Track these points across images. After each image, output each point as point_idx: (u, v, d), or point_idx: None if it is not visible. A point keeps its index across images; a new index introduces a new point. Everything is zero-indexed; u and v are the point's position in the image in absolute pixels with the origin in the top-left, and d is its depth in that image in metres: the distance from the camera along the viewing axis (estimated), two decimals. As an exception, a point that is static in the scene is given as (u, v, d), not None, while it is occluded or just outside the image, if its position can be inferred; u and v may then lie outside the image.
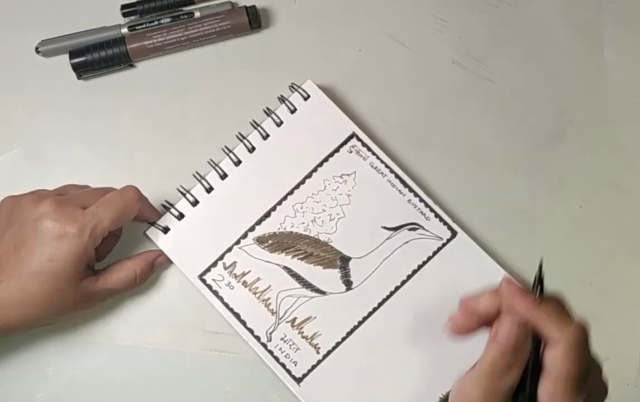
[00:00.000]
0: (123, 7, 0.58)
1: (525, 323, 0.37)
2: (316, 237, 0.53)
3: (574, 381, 0.36)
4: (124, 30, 0.58)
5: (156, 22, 0.58)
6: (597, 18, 0.59)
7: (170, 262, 0.52)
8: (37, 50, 0.58)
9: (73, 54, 0.57)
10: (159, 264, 0.52)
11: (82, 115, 0.57)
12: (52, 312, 0.47)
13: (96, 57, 0.56)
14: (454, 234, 0.52)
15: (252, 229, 0.52)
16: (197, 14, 0.58)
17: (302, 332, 0.51)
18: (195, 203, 0.53)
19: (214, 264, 0.52)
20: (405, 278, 0.52)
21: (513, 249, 0.54)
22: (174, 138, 0.57)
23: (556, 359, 0.36)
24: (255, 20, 0.57)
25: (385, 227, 0.53)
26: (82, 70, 0.57)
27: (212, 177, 0.53)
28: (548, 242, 0.55)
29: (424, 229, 0.53)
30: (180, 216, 0.52)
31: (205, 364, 0.53)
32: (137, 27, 0.58)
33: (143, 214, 0.51)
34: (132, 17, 0.58)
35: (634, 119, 0.58)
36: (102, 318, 0.54)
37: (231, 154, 0.54)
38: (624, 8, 0.59)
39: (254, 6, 0.58)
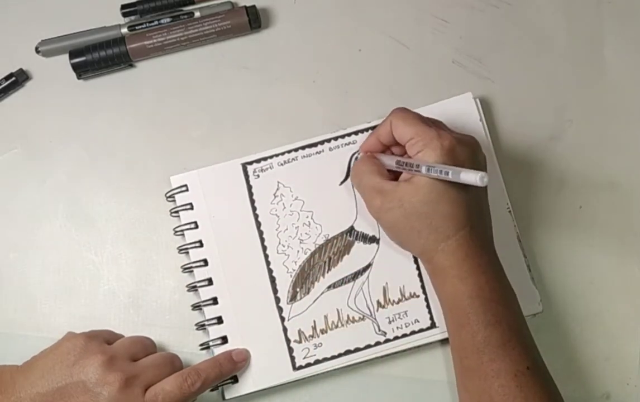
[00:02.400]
0: (123, 7, 0.58)
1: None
2: (317, 246, 0.53)
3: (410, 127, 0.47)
4: (124, 30, 0.58)
5: (156, 22, 0.58)
6: (597, 18, 0.59)
7: (221, 395, 0.52)
8: (37, 50, 0.58)
9: (73, 54, 0.57)
10: None
11: (82, 115, 0.57)
12: None
13: (96, 57, 0.56)
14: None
15: (278, 300, 0.52)
16: (197, 14, 0.58)
17: (394, 300, 0.52)
18: (220, 320, 0.52)
19: (290, 350, 0.52)
20: None
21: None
22: (174, 138, 0.57)
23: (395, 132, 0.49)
24: (255, 20, 0.57)
25: (342, 182, 0.54)
26: (82, 70, 0.57)
27: (205, 291, 0.53)
28: (548, 242, 0.55)
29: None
30: (224, 340, 0.52)
31: (205, 364, 0.53)
32: (137, 27, 0.58)
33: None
34: (132, 17, 0.58)
35: (634, 119, 0.58)
36: (101, 318, 0.54)
37: (193, 263, 0.53)
38: (624, 8, 0.59)
39: (254, 6, 0.58)
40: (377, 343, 0.52)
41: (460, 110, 0.55)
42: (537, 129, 0.57)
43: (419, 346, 0.52)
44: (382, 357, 0.52)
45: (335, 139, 0.54)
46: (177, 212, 0.54)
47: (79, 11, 0.59)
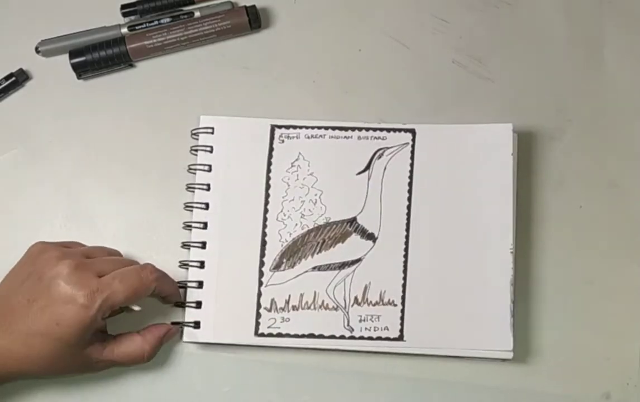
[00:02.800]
0: (123, 7, 0.58)
1: None
2: (315, 226, 0.53)
3: None
4: (124, 30, 0.58)
5: (156, 22, 0.58)
6: (597, 18, 0.59)
7: (180, 335, 0.52)
8: (37, 50, 0.58)
9: (73, 54, 0.57)
10: (168, 338, 0.52)
11: (82, 115, 0.57)
12: (52, 372, 0.48)
13: (96, 57, 0.56)
14: (413, 132, 0.54)
15: (262, 264, 0.53)
16: (197, 14, 0.58)
17: (371, 301, 0.52)
18: (202, 265, 0.53)
19: (258, 315, 0.52)
20: (407, 194, 0.54)
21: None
22: (174, 138, 0.57)
23: None
24: (255, 20, 0.58)
25: (359, 173, 0.54)
26: (82, 70, 0.57)
27: (198, 234, 0.54)
28: (548, 242, 0.55)
29: (388, 148, 0.54)
30: (200, 285, 0.53)
31: (204, 363, 0.53)
32: (137, 27, 0.58)
33: (161, 292, 0.50)
34: (132, 17, 0.58)
35: (634, 119, 0.57)
36: (102, 318, 0.54)
37: (194, 203, 0.54)
38: (624, 8, 0.59)
39: (254, 6, 0.58)
40: (342, 337, 0.52)
41: (494, 138, 0.54)
42: (537, 129, 0.57)
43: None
44: (382, 357, 0.52)
45: (367, 129, 0.55)
46: (196, 150, 0.55)
47: (79, 11, 0.59)
